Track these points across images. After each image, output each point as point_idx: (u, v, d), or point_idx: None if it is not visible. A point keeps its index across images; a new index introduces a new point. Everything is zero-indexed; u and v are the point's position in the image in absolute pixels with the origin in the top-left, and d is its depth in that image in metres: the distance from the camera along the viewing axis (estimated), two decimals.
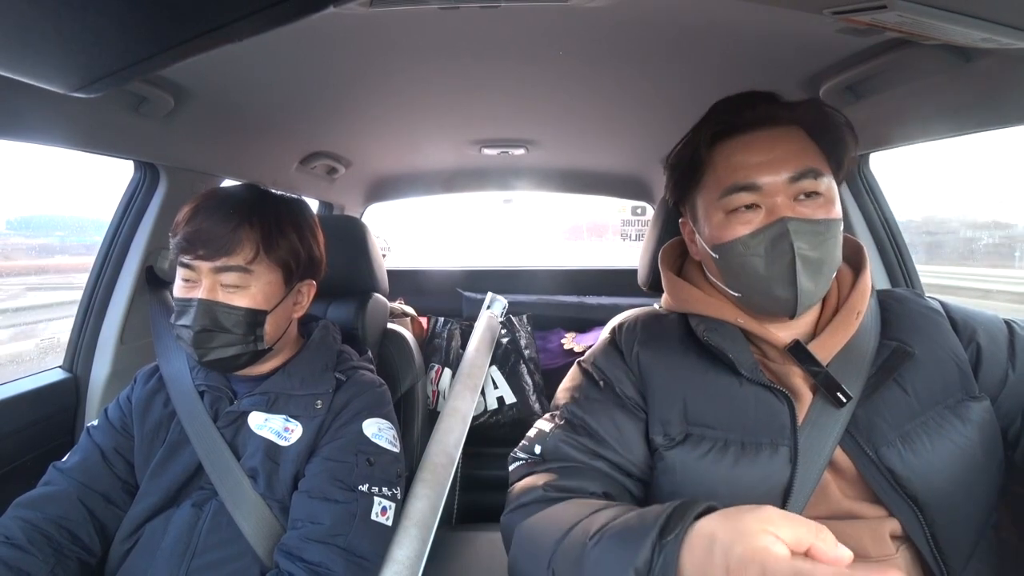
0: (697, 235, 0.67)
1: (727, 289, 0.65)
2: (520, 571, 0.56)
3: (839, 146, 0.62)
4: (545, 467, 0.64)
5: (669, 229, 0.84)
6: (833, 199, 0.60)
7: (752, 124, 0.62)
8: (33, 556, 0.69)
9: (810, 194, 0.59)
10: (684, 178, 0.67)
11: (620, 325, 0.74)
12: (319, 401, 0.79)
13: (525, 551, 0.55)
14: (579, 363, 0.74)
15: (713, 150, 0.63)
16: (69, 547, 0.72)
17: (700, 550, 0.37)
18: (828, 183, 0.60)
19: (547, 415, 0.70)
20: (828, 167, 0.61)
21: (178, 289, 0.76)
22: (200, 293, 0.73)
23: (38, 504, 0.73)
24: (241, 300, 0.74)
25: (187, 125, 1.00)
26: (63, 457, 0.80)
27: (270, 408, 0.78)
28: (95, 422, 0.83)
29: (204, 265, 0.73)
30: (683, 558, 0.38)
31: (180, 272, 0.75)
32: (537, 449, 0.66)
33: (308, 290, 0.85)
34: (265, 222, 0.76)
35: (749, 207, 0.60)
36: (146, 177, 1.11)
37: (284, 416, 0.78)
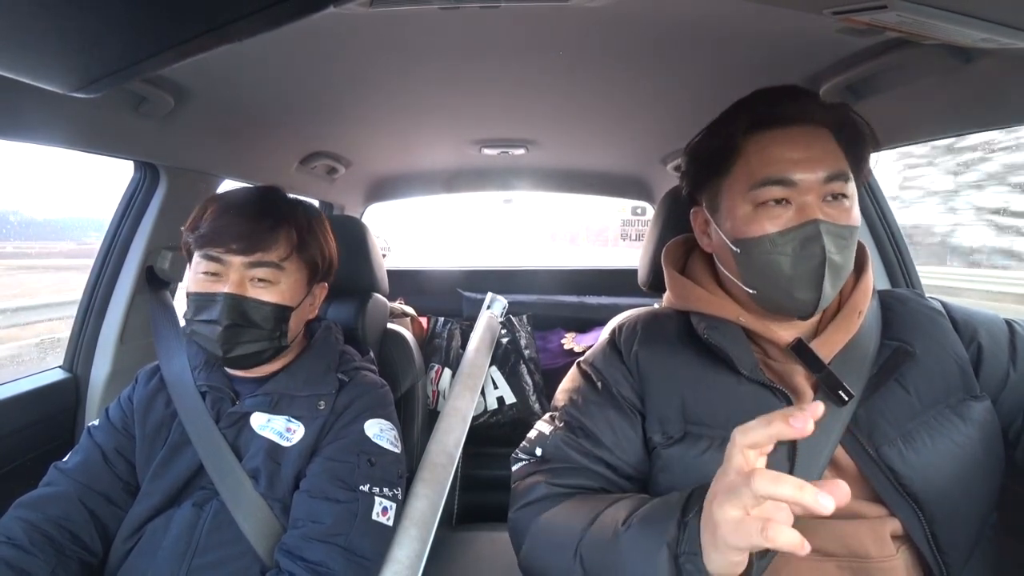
0: (714, 226, 0.66)
1: (741, 284, 0.64)
2: (540, 562, 0.58)
3: (861, 154, 0.62)
4: (547, 467, 0.65)
5: (670, 228, 0.84)
6: (855, 204, 0.60)
7: (791, 119, 0.61)
8: (35, 556, 0.68)
9: (838, 196, 0.59)
10: (709, 166, 0.65)
11: (620, 326, 0.74)
12: (322, 402, 0.79)
13: (547, 543, 0.58)
14: (578, 364, 0.74)
15: (747, 140, 0.62)
16: (70, 547, 0.72)
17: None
18: (853, 189, 0.60)
19: (547, 416, 0.71)
20: (851, 172, 0.61)
21: (196, 284, 0.75)
22: (227, 287, 0.73)
23: (39, 505, 0.73)
24: (270, 296, 0.75)
25: (187, 125, 1.00)
26: (63, 457, 0.80)
27: (273, 409, 0.78)
28: (96, 422, 0.83)
29: (237, 259, 0.74)
30: (703, 529, 0.44)
31: (202, 266, 0.75)
32: (538, 451, 0.67)
33: (320, 292, 0.86)
34: (299, 222, 0.79)
35: (779, 202, 0.59)
36: (146, 177, 1.10)
37: (287, 417, 0.78)
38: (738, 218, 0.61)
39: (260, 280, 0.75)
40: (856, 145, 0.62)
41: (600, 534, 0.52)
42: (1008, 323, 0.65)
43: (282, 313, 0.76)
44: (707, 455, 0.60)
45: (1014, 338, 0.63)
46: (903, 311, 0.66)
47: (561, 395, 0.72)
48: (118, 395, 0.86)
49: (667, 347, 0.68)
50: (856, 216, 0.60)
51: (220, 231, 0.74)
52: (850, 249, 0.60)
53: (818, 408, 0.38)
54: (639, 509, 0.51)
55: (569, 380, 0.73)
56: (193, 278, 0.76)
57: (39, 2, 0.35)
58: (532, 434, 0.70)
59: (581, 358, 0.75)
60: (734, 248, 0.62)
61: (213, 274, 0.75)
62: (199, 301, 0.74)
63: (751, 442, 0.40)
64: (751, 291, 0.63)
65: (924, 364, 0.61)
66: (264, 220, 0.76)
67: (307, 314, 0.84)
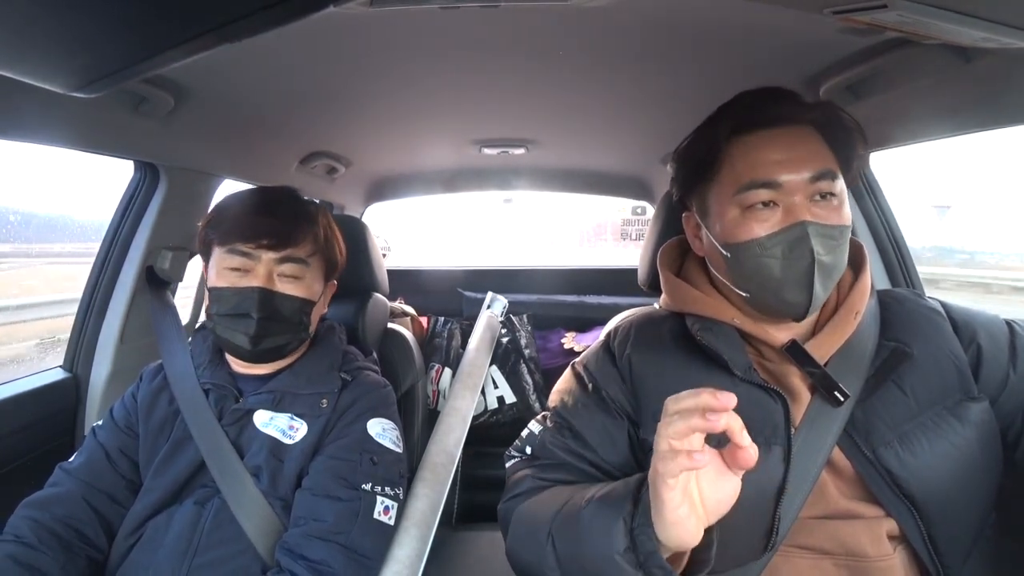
0: (704, 231, 0.66)
1: (734, 288, 0.64)
2: (520, 547, 0.61)
3: (850, 150, 0.62)
4: (536, 463, 0.68)
5: (670, 228, 0.84)
6: (844, 202, 0.60)
7: (773, 121, 0.61)
8: (43, 553, 0.69)
9: (825, 196, 0.59)
10: (696, 171, 0.65)
11: (616, 328, 0.74)
12: (324, 400, 0.80)
13: (524, 528, 0.61)
14: (572, 365, 0.75)
15: (730, 144, 0.62)
16: (77, 545, 0.73)
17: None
18: (842, 186, 0.60)
19: (539, 416, 0.73)
20: (840, 170, 0.61)
21: (222, 279, 0.77)
22: (257, 282, 0.75)
23: (45, 505, 0.74)
24: (296, 290, 0.78)
25: (187, 125, 1.00)
26: (64, 457, 0.81)
27: (276, 406, 0.79)
28: (100, 422, 0.84)
29: (267, 255, 0.76)
30: (651, 497, 0.47)
31: (227, 261, 0.76)
32: (528, 450, 0.70)
33: (330, 290, 0.89)
34: (324, 223, 0.84)
35: (766, 205, 0.59)
36: (146, 177, 1.10)
37: (290, 415, 0.79)
38: (726, 222, 0.61)
39: (287, 275, 0.77)
40: (844, 143, 0.61)
41: (567, 515, 0.55)
42: (1008, 324, 0.65)
43: (306, 307, 0.80)
44: None
45: (1014, 339, 0.63)
46: (901, 311, 0.66)
47: (554, 395, 0.73)
48: (118, 395, 0.86)
49: (661, 349, 0.68)
50: (846, 215, 0.60)
51: (251, 227, 0.76)
52: (841, 249, 0.59)
53: (731, 399, 0.44)
54: (602, 490, 0.54)
55: (563, 380, 0.74)
56: (217, 273, 0.77)
57: (39, 2, 0.35)
58: (524, 432, 0.72)
59: (576, 359, 0.75)
60: (724, 252, 0.62)
61: (240, 269, 0.76)
62: (227, 296, 0.76)
63: (681, 408, 0.45)
64: (743, 294, 0.63)
65: (921, 365, 0.61)
66: (294, 218, 0.79)
67: (322, 309, 0.86)
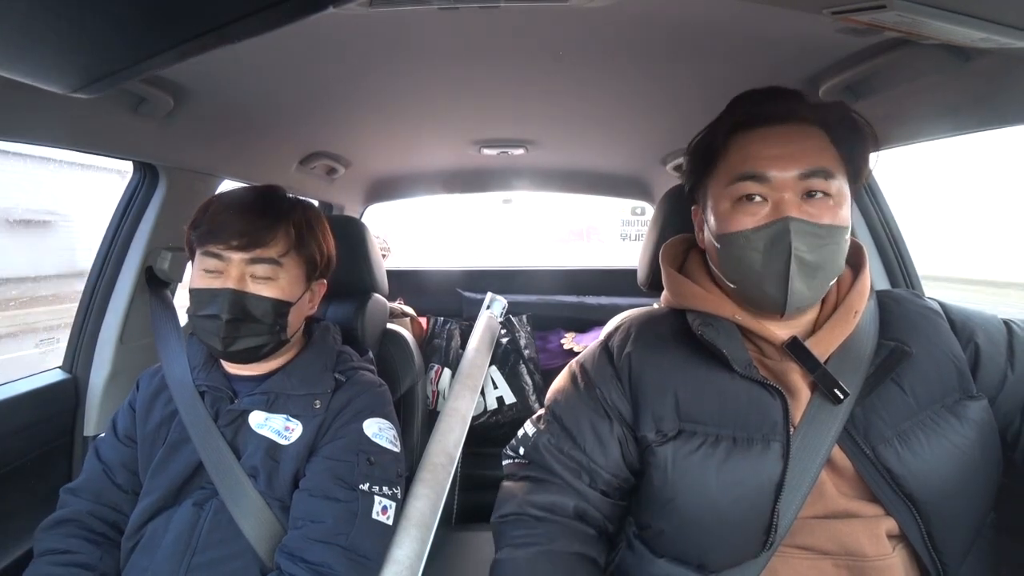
0: (705, 224, 0.67)
1: (724, 279, 0.65)
2: None
3: (860, 152, 0.62)
4: (528, 472, 0.70)
5: (669, 228, 0.84)
6: (842, 204, 0.59)
7: (772, 118, 0.62)
8: (80, 552, 0.74)
9: (814, 193, 0.59)
10: (700, 165, 0.67)
11: (615, 328, 0.75)
12: (317, 401, 0.80)
13: None
14: (570, 363, 0.75)
15: (730, 140, 0.63)
16: (104, 541, 0.77)
17: None
18: (839, 186, 0.59)
19: (535, 416, 0.74)
20: (844, 171, 0.61)
21: (199, 280, 0.77)
22: (229, 283, 0.75)
23: (58, 527, 0.77)
24: (270, 291, 0.77)
25: (187, 125, 1.00)
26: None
27: (270, 407, 0.79)
28: (103, 434, 0.86)
29: (237, 256, 0.75)
30: None
31: (203, 263, 0.77)
32: (521, 451, 0.72)
33: (320, 289, 0.88)
34: (298, 220, 0.81)
35: (751, 199, 0.60)
36: (146, 177, 1.10)
37: (284, 415, 0.79)
38: (719, 214, 0.62)
39: (260, 276, 0.76)
40: (852, 143, 0.61)
41: None
42: (1007, 324, 0.65)
43: (281, 308, 0.78)
44: (700, 452, 0.60)
45: (1012, 340, 0.63)
46: (900, 311, 0.66)
47: (550, 393, 0.74)
48: (117, 396, 0.87)
49: (661, 345, 0.68)
50: (843, 216, 0.59)
51: (221, 228, 0.75)
52: (828, 248, 0.58)
53: None
54: None
55: (559, 379, 0.75)
56: (195, 275, 0.78)
57: (39, 2, 0.35)
58: (520, 432, 0.73)
59: (575, 358, 0.76)
60: (716, 244, 0.63)
61: (214, 271, 0.76)
62: (201, 297, 0.76)
63: None
64: (732, 285, 0.64)
65: (921, 364, 0.61)
66: (263, 217, 0.77)
67: (306, 310, 0.85)
